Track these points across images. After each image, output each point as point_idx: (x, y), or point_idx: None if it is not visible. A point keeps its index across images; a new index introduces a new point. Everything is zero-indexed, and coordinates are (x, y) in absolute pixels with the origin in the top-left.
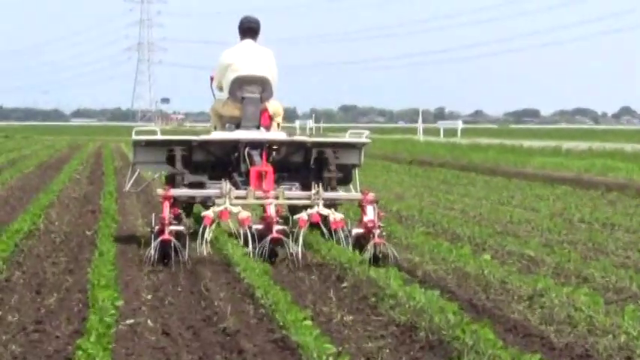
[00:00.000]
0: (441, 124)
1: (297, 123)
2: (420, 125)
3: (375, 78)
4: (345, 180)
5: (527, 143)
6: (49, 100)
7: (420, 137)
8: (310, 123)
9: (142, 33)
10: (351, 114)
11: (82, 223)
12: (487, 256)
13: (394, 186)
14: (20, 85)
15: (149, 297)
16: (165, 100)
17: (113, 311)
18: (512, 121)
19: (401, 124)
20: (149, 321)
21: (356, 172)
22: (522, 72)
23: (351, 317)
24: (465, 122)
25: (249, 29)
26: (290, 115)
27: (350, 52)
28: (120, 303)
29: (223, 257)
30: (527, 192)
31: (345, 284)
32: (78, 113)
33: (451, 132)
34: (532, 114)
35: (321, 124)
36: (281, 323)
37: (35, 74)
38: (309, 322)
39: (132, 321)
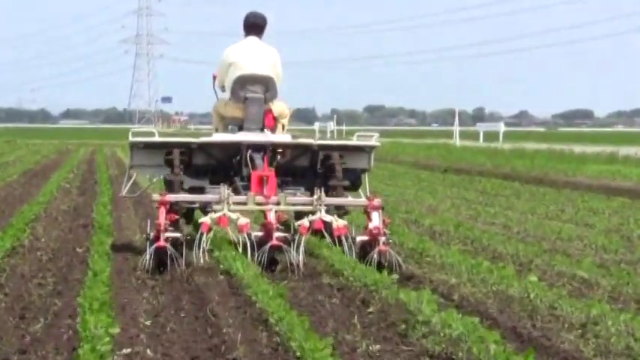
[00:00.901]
0: (481, 127)
1: (317, 125)
2: (456, 128)
3: (404, 75)
4: (354, 185)
5: (578, 149)
6: (35, 100)
7: (457, 142)
8: (331, 125)
9: (140, 23)
10: (377, 115)
11: (72, 238)
12: (533, 278)
13: (426, 197)
14: (2, 83)
15: (148, 323)
16: (167, 100)
17: (107, 339)
18: (561, 123)
19: (434, 127)
20: (148, 350)
21: (365, 177)
22: (573, 67)
23: (377, 347)
24: (507, 124)
25: (254, 25)
26: (309, 117)
27: (376, 45)
28: (115, 330)
29: (231, 277)
30: (579, 204)
31: (371, 309)
32: (68, 114)
33: (492, 136)
34: (584, 115)
35: (344, 127)
36: (298, 353)
37: (19, 70)
38: (329, 352)
39: (129, 350)
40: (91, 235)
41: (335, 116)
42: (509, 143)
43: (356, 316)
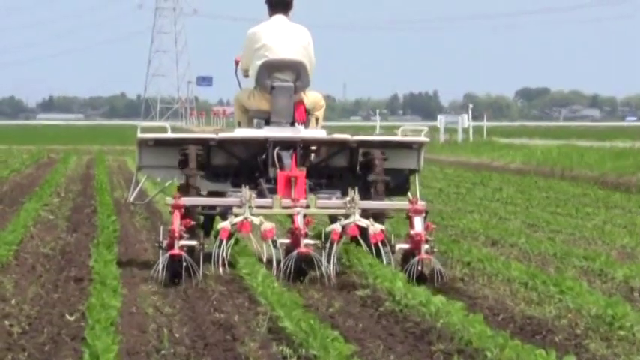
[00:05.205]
0: None
1: (442, 119)
2: None
3: (578, 41)
4: (401, 189)
5: None
6: (1, 86)
7: None
8: (465, 120)
9: None
10: (538, 104)
11: (58, 299)
12: None
13: (618, 234)
14: None
15: None
16: (205, 81)
17: None
18: None
19: (630, 122)
20: None
21: (416, 180)
22: None
23: None
24: None
25: (279, 3)
26: (429, 107)
27: None
28: None
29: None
30: None
31: None
32: (50, 105)
33: None
34: None
35: (485, 123)
36: None
37: None
38: None
39: None
40: (87, 293)
41: (470, 107)
42: None
43: None
